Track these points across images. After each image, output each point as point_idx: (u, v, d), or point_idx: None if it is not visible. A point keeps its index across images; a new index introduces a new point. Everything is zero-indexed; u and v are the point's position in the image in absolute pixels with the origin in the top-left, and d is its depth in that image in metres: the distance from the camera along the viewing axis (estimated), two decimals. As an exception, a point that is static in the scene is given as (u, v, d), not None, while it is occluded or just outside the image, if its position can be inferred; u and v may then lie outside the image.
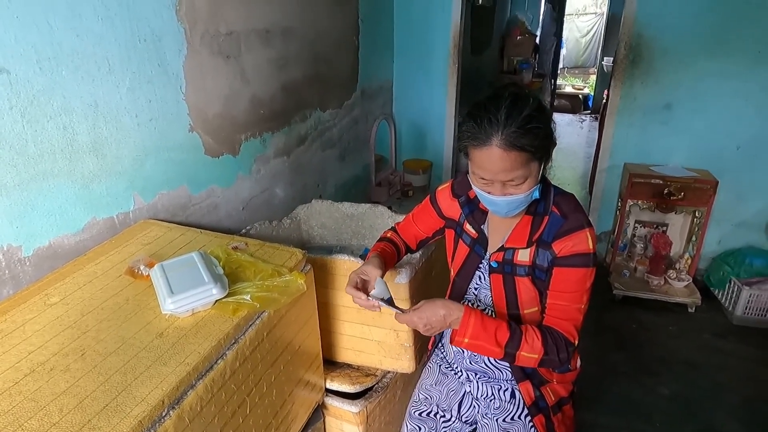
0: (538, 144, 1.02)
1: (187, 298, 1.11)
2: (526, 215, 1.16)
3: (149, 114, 1.58)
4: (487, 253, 1.24)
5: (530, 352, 1.09)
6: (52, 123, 1.29)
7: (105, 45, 1.40)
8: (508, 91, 1.05)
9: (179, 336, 1.07)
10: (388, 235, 1.43)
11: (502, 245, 1.20)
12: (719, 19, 2.76)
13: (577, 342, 1.13)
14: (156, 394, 0.92)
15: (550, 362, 1.12)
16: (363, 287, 1.20)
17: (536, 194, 1.10)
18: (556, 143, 1.09)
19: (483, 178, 1.07)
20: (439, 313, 1.10)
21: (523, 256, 1.17)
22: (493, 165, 1.03)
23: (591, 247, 1.11)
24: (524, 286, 1.19)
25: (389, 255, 1.35)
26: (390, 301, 1.18)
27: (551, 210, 1.15)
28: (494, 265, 1.22)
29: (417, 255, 1.61)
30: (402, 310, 1.15)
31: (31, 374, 0.96)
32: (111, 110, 1.45)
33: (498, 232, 1.23)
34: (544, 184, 1.16)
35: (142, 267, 1.26)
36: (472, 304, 1.31)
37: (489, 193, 1.09)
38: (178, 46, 1.65)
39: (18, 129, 1.22)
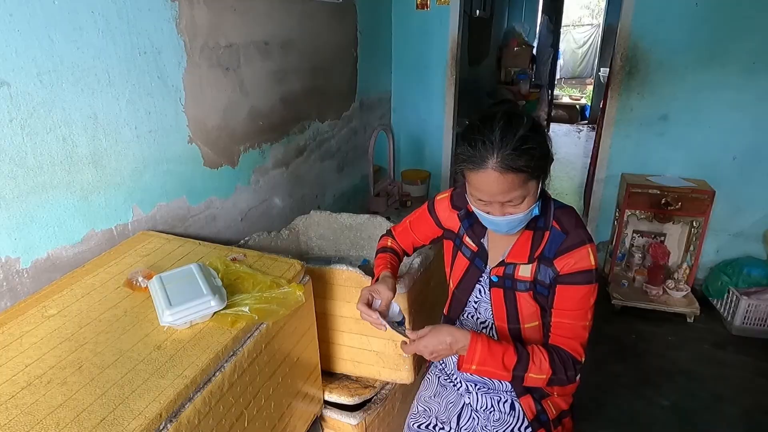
0: (534, 164, 1.01)
1: (185, 310, 1.11)
2: (526, 230, 1.16)
3: (148, 126, 1.59)
4: (488, 267, 1.24)
5: (538, 374, 1.09)
6: (52, 135, 1.30)
7: (105, 58, 1.41)
8: (502, 111, 1.04)
9: (177, 348, 1.07)
10: (389, 243, 1.43)
11: (503, 260, 1.20)
12: (713, 32, 2.79)
13: (583, 359, 1.13)
14: (154, 407, 0.91)
15: (558, 381, 1.11)
16: (372, 305, 1.21)
17: (536, 211, 1.10)
18: (553, 159, 1.08)
19: (481, 200, 1.07)
20: (445, 342, 1.09)
21: (525, 271, 1.17)
22: (489, 187, 1.03)
23: (593, 263, 1.10)
24: (525, 301, 1.18)
25: (397, 270, 1.36)
26: (401, 324, 1.18)
27: (552, 225, 1.14)
28: (495, 279, 1.21)
29: (416, 265, 1.61)
30: (407, 335, 1.15)
31: (28, 387, 0.95)
32: (110, 122, 1.46)
33: (498, 246, 1.23)
34: (544, 198, 1.15)
35: (140, 279, 1.26)
36: (472, 318, 1.31)
37: (488, 213, 1.09)
38: (177, 58, 1.66)
39: (18, 141, 1.22)
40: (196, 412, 0.99)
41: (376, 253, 1.42)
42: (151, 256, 1.43)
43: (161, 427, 0.91)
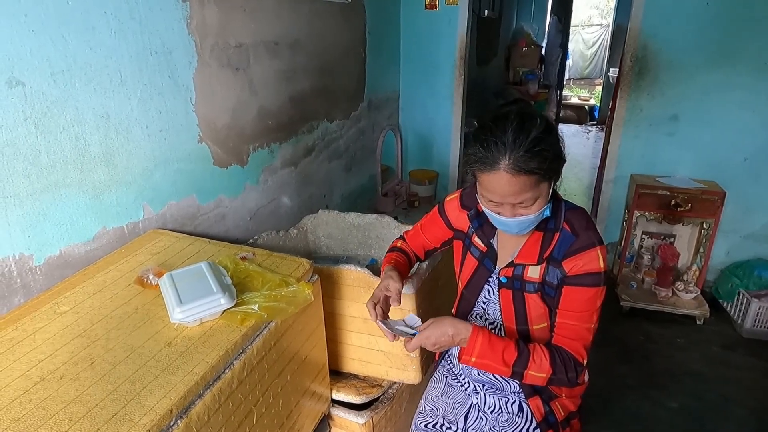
0: (546, 166, 1.00)
1: (195, 307, 1.12)
2: (536, 231, 1.15)
3: (159, 125, 1.60)
4: (497, 267, 1.24)
5: (538, 372, 1.09)
6: (65, 134, 1.32)
7: (117, 58, 1.43)
8: (515, 112, 1.03)
9: (187, 345, 1.08)
10: (398, 244, 1.43)
11: (512, 261, 1.20)
12: (724, 31, 2.77)
13: (585, 361, 1.13)
14: (164, 403, 0.92)
15: (558, 381, 1.11)
16: (385, 303, 1.21)
17: (547, 212, 1.10)
18: (565, 160, 1.08)
19: (492, 201, 1.07)
20: (447, 333, 1.09)
21: (533, 272, 1.17)
22: (501, 189, 1.02)
23: (602, 265, 1.10)
24: (533, 303, 1.18)
25: (402, 266, 1.36)
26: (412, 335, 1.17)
27: (562, 227, 1.14)
28: (503, 280, 1.21)
29: (424, 265, 1.61)
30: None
31: (41, 382, 0.97)
32: (122, 121, 1.47)
33: (508, 246, 1.22)
34: (555, 199, 1.15)
35: (151, 276, 1.28)
36: (481, 318, 1.31)
37: (499, 214, 1.08)
38: (188, 58, 1.67)
39: (32, 140, 1.24)
40: (205, 408, 1.00)
41: (385, 255, 1.42)
42: (161, 254, 1.45)
43: (172, 423, 0.92)
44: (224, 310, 1.15)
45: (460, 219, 1.31)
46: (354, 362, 1.71)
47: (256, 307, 1.17)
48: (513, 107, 1.05)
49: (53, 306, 1.20)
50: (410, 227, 1.49)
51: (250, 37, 1.96)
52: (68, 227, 1.36)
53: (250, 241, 1.86)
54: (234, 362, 1.10)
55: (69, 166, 1.34)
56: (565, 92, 8.46)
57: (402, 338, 1.16)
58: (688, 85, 2.93)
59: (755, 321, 2.75)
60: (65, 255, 1.36)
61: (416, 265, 1.52)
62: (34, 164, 1.25)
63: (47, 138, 1.27)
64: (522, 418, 1.28)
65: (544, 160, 1.00)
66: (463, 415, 1.37)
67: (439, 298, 1.76)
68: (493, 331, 1.28)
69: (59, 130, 1.30)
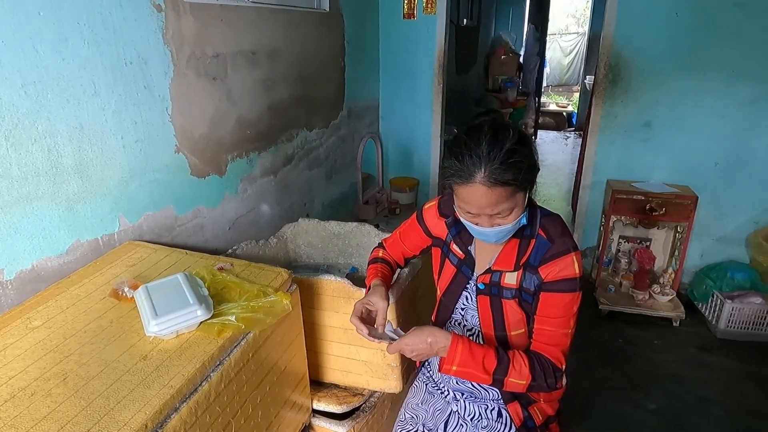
0: (521, 177, 1.02)
1: (171, 320, 1.10)
2: (513, 238, 1.17)
3: (135, 136, 1.59)
4: (475, 274, 1.26)
5: (518, 378, 1.10)
6: (37, 146, 1.29)
7: (91, 68, 1.41)
8: (488, 124, 1.04)
9: (163, 358, 1.06)
10: (380, 254, 1.43)
11: (489, 267, 1.21)
12: (694, 41, 2.85)
13: (564, 367, 1.14)
14: (139, 418, 0.91)
15: (538, 387, 1.13)
16: (368, 317, 1.21)
17: (524, 221, 1.12)
18: (539, 169, 1.10)
19: (469, 212, 1.08)
20: (425, 341, 1.10)
21: (510, 279, 1.18)
22: (478, 201, 1.04)
23: (577, 271, 1.12)
24: (511, 309, 1.20)
25: (388, 279, 1.37)
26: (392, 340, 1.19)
27: (538, 233, 1.16)
28: (481, 286, 1.23)
29: (404, 275, 1.61)
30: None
31: (11, 400, 0.95)
32: (96, 132, 1.46)
33: (485, 253, 1.24)
34: (531, 206, 1.16)
35: (126, 289, 1.26)
36: (459, 325, 1.32)
37: (477, 224, 1.10)
38: (164, 68, 1.66)
39: (2, 152, 1.21)
40: (182, 422, 0.99)
41: (368, 265, 1.43)
42: (137, 266, 1.43)
43: (147, 438, 0.91)
44: (201, 322, 1.14)
45: (439, 226, 1.32)
46: (335, 372, 1.71)
47: (233, 318, 1.16)
48: (486, 119, 1.07)
49: (25, 321, 1.17)
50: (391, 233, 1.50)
51: (227, 47, 1.96)
52: (41, 240, 1.34)
53: (229, 251, 1.85)
54: (211, 374, 1.09)
55: (41, 178, 1.32)
56: (543, 99, 8.60)
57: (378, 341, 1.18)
58: (661, 92, 3.00)
59: (729, 322, 2.81)
60: (38, 269, 1.34)
61: (397, 272, 1.52)
62: (5, 177, 1.23)
63: (18, 150, 1.25)
64: (501, 423, 1.29)
65: (519, 171, 1.02)
66: (443, 422, 1.37)
67: (419, 307, 1.77)
68: (471, 337, 1.29)
69: (31, 142, 1.28)
